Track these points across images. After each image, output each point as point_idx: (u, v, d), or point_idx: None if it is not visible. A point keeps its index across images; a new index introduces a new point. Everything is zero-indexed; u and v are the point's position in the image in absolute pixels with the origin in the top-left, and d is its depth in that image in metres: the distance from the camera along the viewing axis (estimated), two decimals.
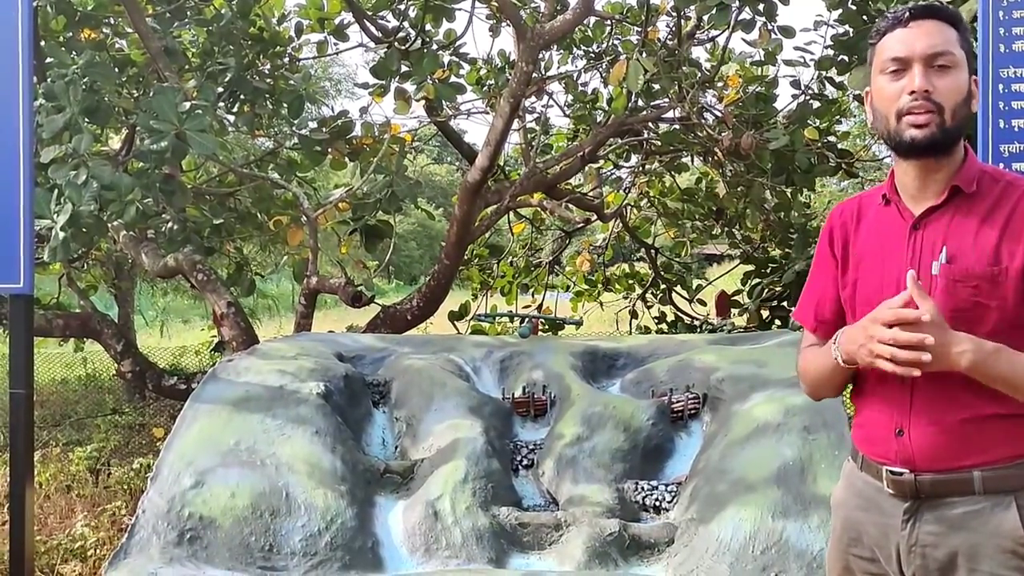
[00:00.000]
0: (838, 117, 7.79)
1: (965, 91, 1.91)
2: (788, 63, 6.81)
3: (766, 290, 7.53)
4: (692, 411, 4.25)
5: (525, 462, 4.14)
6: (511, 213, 8.16)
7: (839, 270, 2.10)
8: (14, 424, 3.91)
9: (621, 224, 8.84)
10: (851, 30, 6.26)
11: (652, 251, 8.96)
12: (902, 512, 1.92)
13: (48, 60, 5.91)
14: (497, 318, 7.70)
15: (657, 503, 3.80)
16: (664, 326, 8.58)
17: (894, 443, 1.92)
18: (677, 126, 7.35)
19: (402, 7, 7.19)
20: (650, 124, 7.60)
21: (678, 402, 4.26)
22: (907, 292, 1.82)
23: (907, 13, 1.92)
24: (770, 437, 3.69)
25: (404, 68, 6.86)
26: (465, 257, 7.77)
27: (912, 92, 1.88)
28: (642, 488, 3.85)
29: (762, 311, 7.54)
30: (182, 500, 3.51)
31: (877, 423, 1.97)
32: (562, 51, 7.96)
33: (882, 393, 1.95)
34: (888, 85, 1.93)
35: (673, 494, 3.81)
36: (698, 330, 7.92)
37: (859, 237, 2.06)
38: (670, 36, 7.40)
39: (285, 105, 6.86)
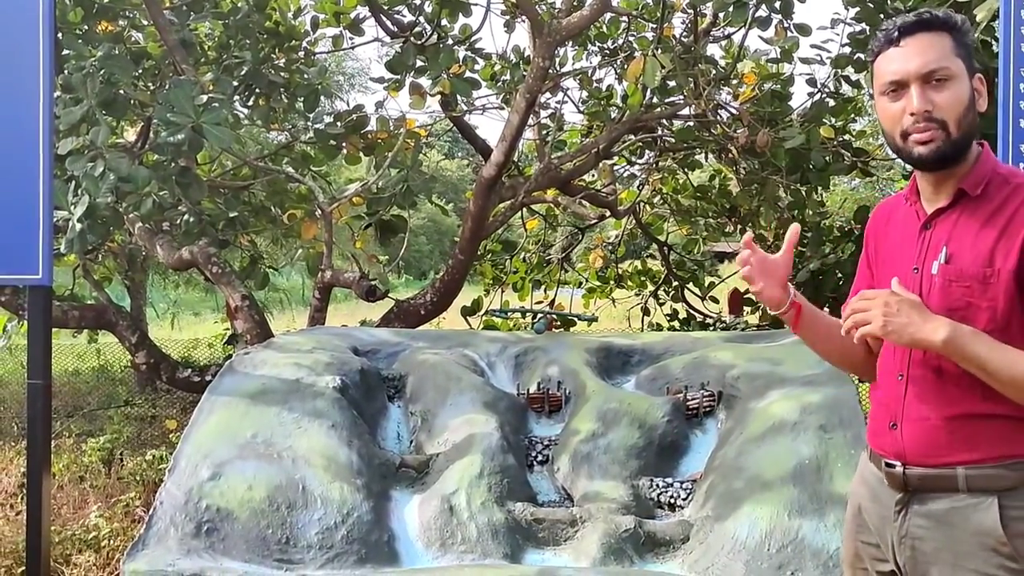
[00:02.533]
0: (854, 116, 7.78)
1: (967, 99, 1.92)
2: (804, 61, 6.80)
3: None
4: (707, 408, 4.24)
5: (540, 458, 4.14)
6: (525, 209, 8.16)
7: (871, 270, 2.19)
8: (32, 415, 3.93)
9: (634, 221, 8.84)
10: (868, 28, 6.25)
11: (665, 248, 8.97)
12: (895, 504, 1.98)
13: (65, 52, 5.93)
14: (510, 313, 7.70)
15: (672, 500, 3.79)
16: (676, 323, 8.58)
17: (889, 436, 1.99)
18: (692, 123, 7.35)
19: (418, 2, 7.19)
20: (664, 121, 7.60)
21: (693, 399, 4.26)
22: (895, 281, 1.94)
23: (896, 32, 1.94)
24: (786, 435, 3.69)
25: (419, 63, 6.86)
26: (478, 252, 7.78)
27: (913, 113, 1.91)
28: (657, 485, 3.85)
29: None
30: (199, 492, 3.52)
31: (877, 417, 2.05)
32: (577, 47, 7.96)
33: (883, 388, 2.04)
34: (889, 106, 1.96)
35: (688, 491, 3.80)
36: (711, 328, 7.91)
37: (887, 237, 2.13)
38: (686, 33, 7.39)
39: (300, 99, 6.87)
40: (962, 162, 1.96)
